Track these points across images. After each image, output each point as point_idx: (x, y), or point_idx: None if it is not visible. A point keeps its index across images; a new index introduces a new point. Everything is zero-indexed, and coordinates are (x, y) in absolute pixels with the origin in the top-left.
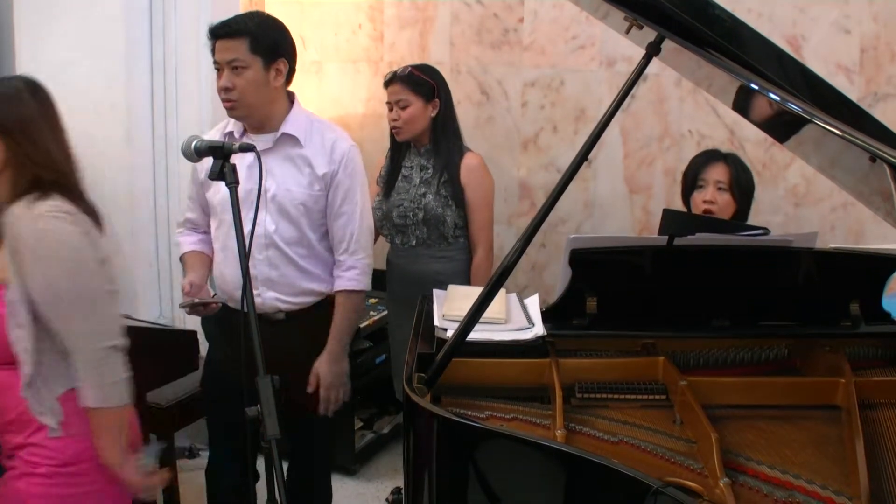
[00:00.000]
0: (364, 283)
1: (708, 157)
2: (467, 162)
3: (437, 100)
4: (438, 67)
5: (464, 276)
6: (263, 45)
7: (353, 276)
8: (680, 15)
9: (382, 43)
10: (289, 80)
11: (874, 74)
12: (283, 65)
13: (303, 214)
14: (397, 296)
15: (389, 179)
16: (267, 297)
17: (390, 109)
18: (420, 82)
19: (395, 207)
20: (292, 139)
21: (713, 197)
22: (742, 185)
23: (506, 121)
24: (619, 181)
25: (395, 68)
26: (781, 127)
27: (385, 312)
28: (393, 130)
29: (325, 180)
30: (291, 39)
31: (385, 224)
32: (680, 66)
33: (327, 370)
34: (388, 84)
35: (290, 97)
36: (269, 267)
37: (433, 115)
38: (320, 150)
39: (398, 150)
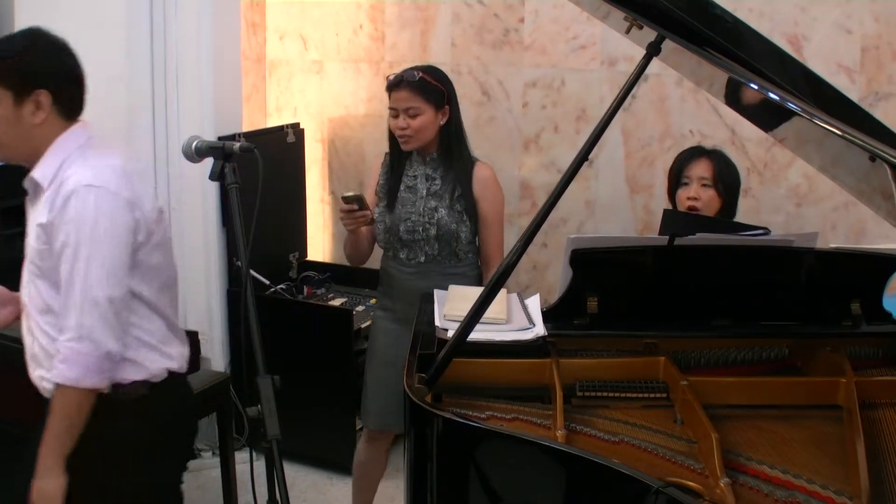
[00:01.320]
0: (75, 374)
1: (691, 154)
2: (480, 174)
3: (447, 107)
4: (440, 67)
5: None
6: (12, 76)
7: (57, 363)
8: (680, 15)
9: (383, 43)
10: (70, 110)
11: (875, 74)
12: (43, 97)
13: (37, 276)
14: (397, 312)
15: (391, 190)
16: (35, 377)
17: (395, 116)
18: (431, 89)
19: (401, 221)
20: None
21: (697, 193)
22: (726, 180)
23: (507, 121)
24: (621, 181)
25: (396, 69)
26: (774, 118)
27: None
28: (401, 139)
29: (46, 231)
30: (66, 62)
31: (388, 238)
32: (681, 66)
33: (34, 488)
34: (393, 88)
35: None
36: (30, 339)
37: (443, 122)
38: (51, 192)
39: (399, 158)
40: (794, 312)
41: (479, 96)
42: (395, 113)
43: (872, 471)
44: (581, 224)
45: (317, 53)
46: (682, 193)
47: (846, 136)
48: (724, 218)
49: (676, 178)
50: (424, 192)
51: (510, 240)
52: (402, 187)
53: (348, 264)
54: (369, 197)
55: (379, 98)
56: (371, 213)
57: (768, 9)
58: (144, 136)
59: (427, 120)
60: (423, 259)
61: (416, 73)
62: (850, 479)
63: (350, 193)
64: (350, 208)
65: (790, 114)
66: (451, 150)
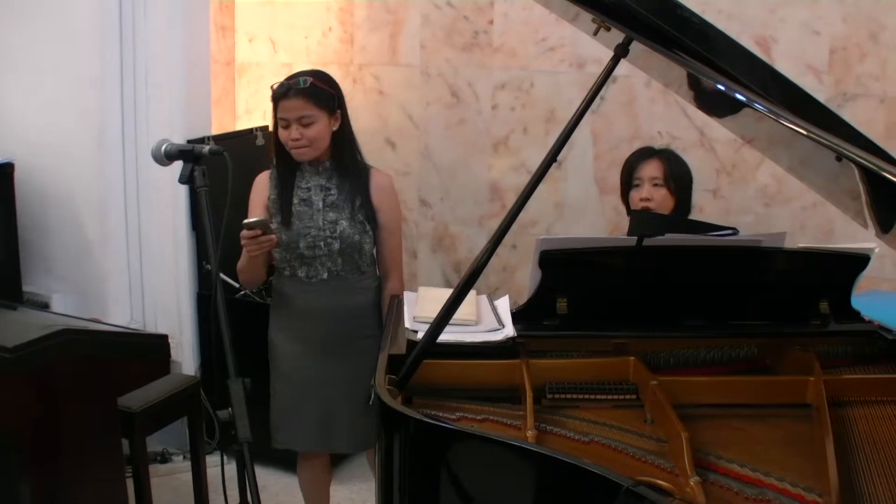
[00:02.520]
0: None
1: (641, 155)
2: (378, 181)
3: (339, 111)
4: (409, 70)
5: (379, 308)
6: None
7: None
8: (647, 16)
9: (353, 45)
10: None
11: (843, 75)
12: None
13: None
14: (298, 332)
15: (285, 205)
16: None
17: (286, 126)
18: (323, 94)
19: (300, 237)
20: None
21: (649, 194)
22: (678, 178)
23: (476, 123)
24: (590, 182)
25: (366, 71)
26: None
27: None
28: (294, 151)
29: None
30: None
31: (286, 256)
32: (649, 68)
33: None
34: (282, 97)
35: None
36: None
37: (335, 128)
38: None
39: (289, 170)
40: (764, 312)
41: (448, 98)
42: (285, 123)
43: (842, 468)
44: (550, 225)
45: (286, 56)
46: (635, 195)
47: (812, 135)
48: (679, 215)
49: (628, 180)
50: (321, 203)
51: (481, 242)
52: (295, 201)
53: None
54: (256, 212)
55: (348, 101)
56: (277, 237)
57: (737, 10)
58: (114, 139)
59: (322, 127)
60: (325, 276)
61: (305, 78)
62: (820, 477)
63: (253, 220)
64: (254, 234)
65: (744, 108)
66: (344, 157)
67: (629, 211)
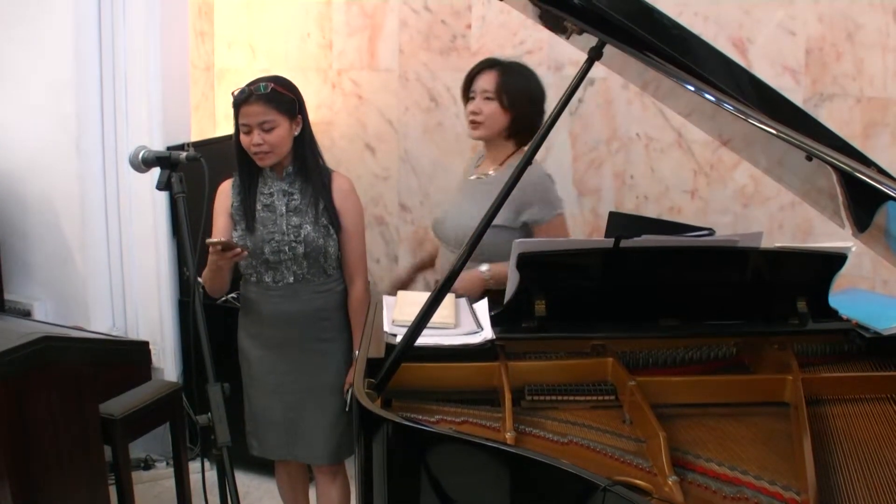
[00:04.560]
0: None
1: (480, 67)
2: (340, 185)
3: (299, 116)
4: (387, 74)
5: (344, 311)
6: None
7: None
8: (619, 20)
9: (331, 50)
10: None
11: (820, 75)
12: None
13: None
14: (266, 338)
15: (248, 211)
16: None
17: (247, 132)
18: (284, 99)
19: (265, 243)
20: None
21: (477, 107)
22: (512, 91)
23: (455, 126)
24: (568, 184)
25: (344, 76)
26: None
27: None
28: (256, 157)
29: None
30: None
31: (252, 262)
32: (625, 71)
33: None
34: (242, 103)
35: None
36: None
37: (297, 133)
38: None
39: (251, 176)
40: (741, 311)
41: (427, 102)
42: (246, 129)
43: (819, 465)
44: None
45: (265, 61)
46: (468, 108)
47: (782, 136)
48: (519, 136)
49: (466, 93)
50: (284, 208)
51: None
52: (258, 207)
53: None
54: (223, 225)
55: (327, 106)
56: (243, 250)
57: (713, 12)
58: (93, 145)
59: (283, 132)
60: (291, 280)
61: (266, 84)
62: (798, 474)
63: (214, 240)
64: (217, 249)
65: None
66: (306, 161)
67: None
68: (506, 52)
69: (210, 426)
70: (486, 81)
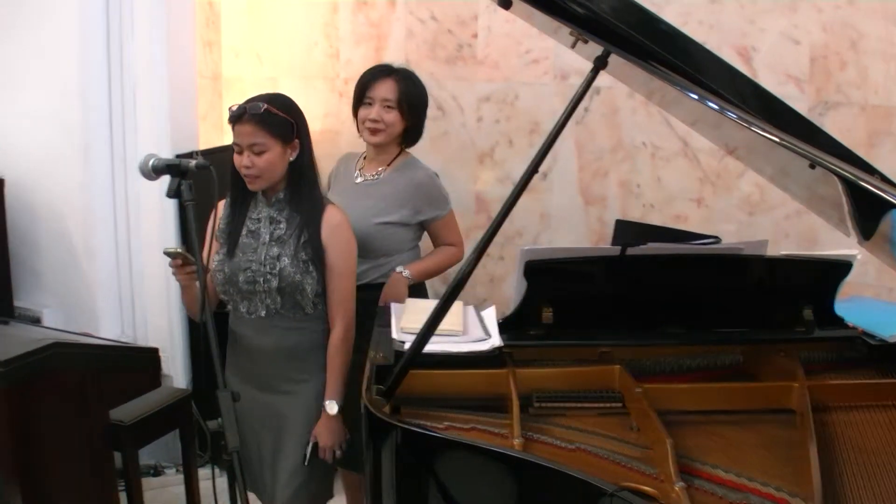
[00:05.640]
0: None
1: (375, 73)
2: (330, 218)
3: (296, 140)
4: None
5: (323, 352)
6: None
7: None
8: (624, 30)
9: (338, 59)
10: None
11: (824, 84)
12: None
13: None
14: (245, 372)
15: (232, 235)
16: None
17: (240, 152)
18: (278, 121)
19: (240, 271)
20: None
21: (379, 115)
22: (412, 100)
23: (461, 135)
24: (574, 193)
25: (351, 85)
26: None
27: None
28: (246, 179)
29: None
30: None
31: (228, 289)
32: (630, 80)
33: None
34: (236, 121)
35: None
36: None
37: (292, 158)
38: None
39: (243, 198)
40: (747, 319)
41: (433, 111)
42: (238, 149)
43: (825, 472)
44: (536, 236)
45: (272, 70)
46: (363, 113)
47: (785, 144)
48: (408, 140)
49: (360, 96)
50: (267, 237)
51: (467, 253)
52: (244, 231)
53: None
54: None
55: (334, 115)
56: (204, 266)
57: (717, 21)
58: (102, 154)
59: (274, 157)
60: (263, 313)
61: (260, 103)
62: (804, 481)
63: (171, 249)
64: (176, 263)
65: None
66: (299, 189)
67: (359, 128)
68: (511, 61)
69: (220, 432)
70: (386, 90)
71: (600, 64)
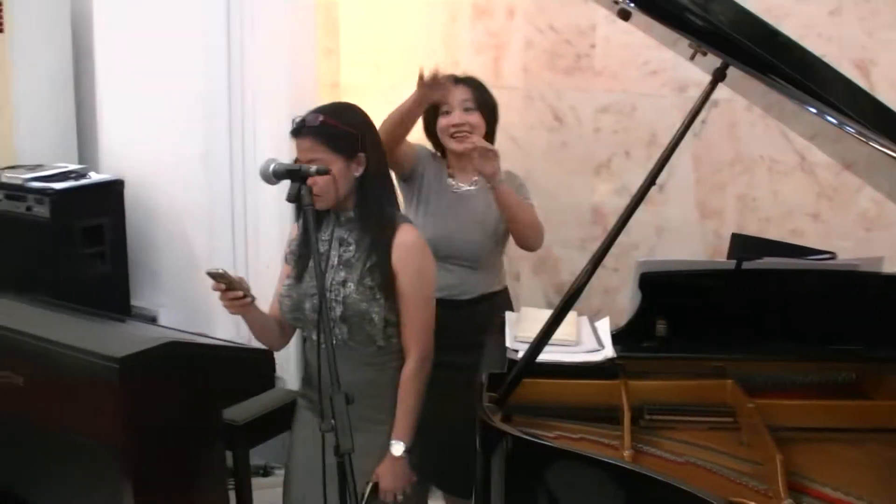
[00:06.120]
0: None
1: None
2: (403, 240)
3: (361, 154)
4: (512, 93)
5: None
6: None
7: None
8: (743, 42)
9: (457, 68)
10: None
11: None
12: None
13: None
14: (317, 404)
15: (301, 257)
16: None
17: None
18: (338, 135)
19: (307, 297)
20: None
21: (461, 119)
22: (490, 103)
23: (578, 146)
24: (691, 206)
25: None
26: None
27: None
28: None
29: None
30: None
31: (297, 316)
32: (748, 93)
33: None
34: (294, 136)
35: None
36: None
37: (357, 174)
38: None
39: (313, 217)
40: (861, 336)
41: (551, 122)
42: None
43: None
44: (651, 249)
45: (391, 78)
46: (445, 121)
47: None
48: (489, 143)
49: (434, 108)
50: (336, 260)
51: (583, 264)
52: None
53: None
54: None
55: None
56: (247, 294)
57: (836, 34)
58: (221, 158)
59: (336, 173)
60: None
61: (317, 115)
62: None
63: (214, 269)
64: (217, 286)
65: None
66: (368, 207)
67: (436, 144)
68: (630, 72)
69: (334, 433)
70: (462, 94)
71: (719, 76)
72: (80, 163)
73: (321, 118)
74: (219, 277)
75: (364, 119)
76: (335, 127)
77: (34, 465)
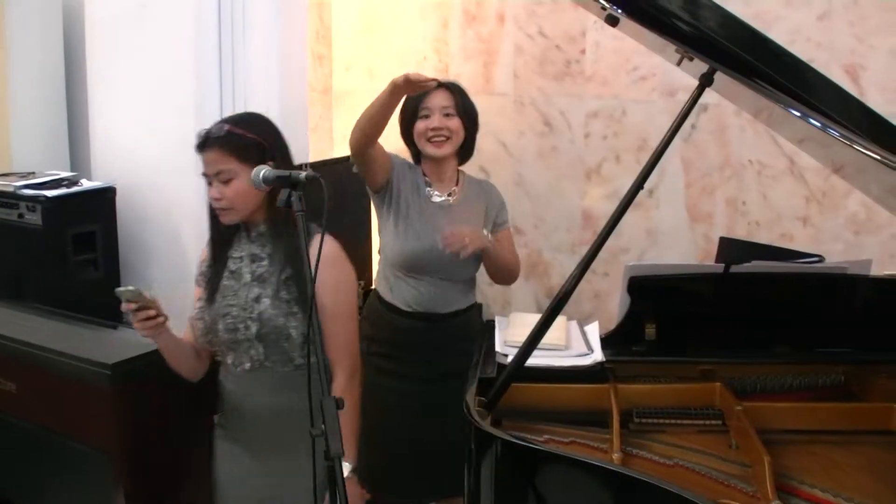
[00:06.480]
0: None
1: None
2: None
3: (270, 163)
4: (502, 99)
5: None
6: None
7: None
8: (729, 47)
9: (447, 74)
10: None
11: None
12: None
13: None
14: (234, 432)
15: (213, 276)
16: None
17: (209, 183)
18: (245, 144)
19: (220, 317)
20: None
21: (441, 123)
22: (469, 110)
23: (569, 151)
24: (681, 210)
25: None
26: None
27: None
28: (218, 213)
29: None
30: None
31: (211, 339)
32: (737, 98)
33: None
34: (199, 150)
35: None
36: None
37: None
38: None
39: (223, 235)
40: (850, 339)
41: (541, 127)
42: (208, 179)
43: None
44: (642, 253)
45: (382, 84)
46: (423, 125)
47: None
48: (463, 155)
49: (413, 111)
50: (249, 276)
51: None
52: (225, 272)
53: None
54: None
55: None
56: (159, 313)
57: (826, 39)
58: None
59: (244, 185)
60: (248, 366)
61: (222, 125)
62: None
63: (123, 288)
64: (129, 307)
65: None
66: (280, 219)
67: (411, 147)
68: (620, 78)
69: (323, 437)
70: (442, 98)
71: (706, 81)
72: (71, 170)
73: (227, 127)
74: (129, 296)
75: (272, 128)
76: (242, 136)
77: (26, 472)
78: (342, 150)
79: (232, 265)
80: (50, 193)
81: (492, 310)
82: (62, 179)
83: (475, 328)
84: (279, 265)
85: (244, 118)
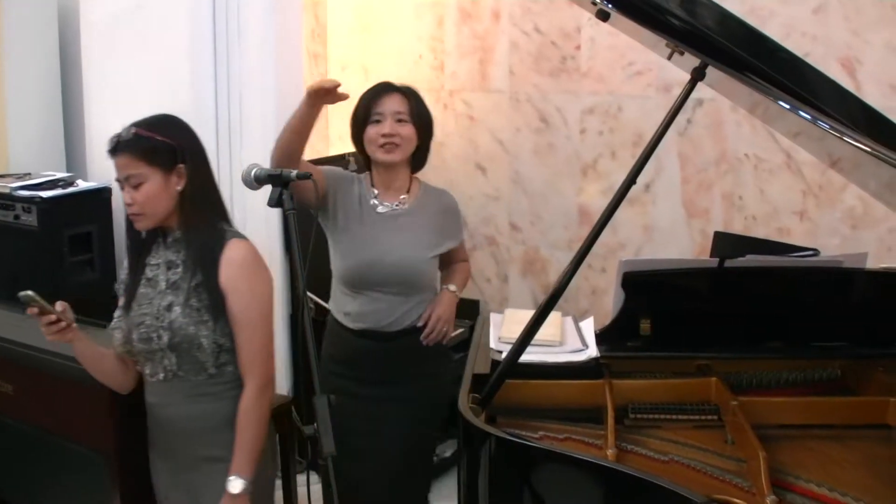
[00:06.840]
0: None
1: (379, 90)
2: (231, 256)
3: (181, 166)
4: (498, 95)
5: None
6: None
7: None
8: (720, 42)
9: (443, 72)
10: None
11: None
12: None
13: None
14: (160, 452)
15: (130, 284)
16: None
17: (122, 188)
18: (153, 146)
19: (135, 327)
20: None
21: (392, 129)
22: (424, 116)
23: (565, 147)
24: (678, 205)
25: (456, 97)
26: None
27: None
28: (131, 219)
29: None
30: None
31: (128, 349)
32: (732, 93)
33: None
34: (112, 154)
35: None
36: None
37: (179, 187)
38: None
39: (141, 242)
40: (846, 333)
41: (537, 123)
42: (120, 185)
43: None
44: (639, 249)
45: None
46: (374, 131)
47: (887, 158)
48: (416, 163)
49: (364, 115)
50: (164, 284)
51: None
52: (143, 280)
53: None
54: None
55: (440, 126)
56: (61, 317)
57: (821, 33)
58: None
59: (154, 188)
60: (161, 376)
61: (130, 128)
62: None
63: (24, 294)
64: (32, 312)
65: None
66: (192, 224)
67: (361, 153)
68: (615, 74)
69: (316, 436)
70: (396, 103)
71: (698, 75)
72: (67, 171)
73: (134, 130)
74: (29, 300)
75: (184, 130)
76: (150, 139)
77: (23, 473)
78: (338, 148)
79: (149, 272)
80: (46, 194)
81: (489, 307)
82: (58, 180)
83: (437, 348)
84: (190, 271)
85: (154, 121)
